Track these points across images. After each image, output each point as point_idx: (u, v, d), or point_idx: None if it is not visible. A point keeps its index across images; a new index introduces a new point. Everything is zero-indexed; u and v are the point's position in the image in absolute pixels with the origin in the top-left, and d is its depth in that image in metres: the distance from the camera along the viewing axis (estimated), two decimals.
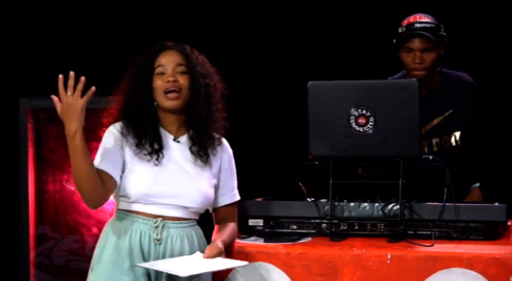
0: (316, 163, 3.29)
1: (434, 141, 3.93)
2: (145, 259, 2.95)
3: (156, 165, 2.97)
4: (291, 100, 5.03)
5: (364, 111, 3.19)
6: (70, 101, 2.79)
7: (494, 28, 4.89)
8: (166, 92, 2.99)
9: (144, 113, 3.02)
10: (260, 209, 3.31)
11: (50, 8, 5.29)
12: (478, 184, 4.03)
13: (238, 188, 3.22)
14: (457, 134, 3.95)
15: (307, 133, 3.23)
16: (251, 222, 3.29)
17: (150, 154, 2.99)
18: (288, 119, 5.05)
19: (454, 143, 3.96)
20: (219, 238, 3.00)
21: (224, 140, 3.15)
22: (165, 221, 2.98)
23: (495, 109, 4.79)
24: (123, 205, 3.01)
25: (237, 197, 3.19)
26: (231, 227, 3.11)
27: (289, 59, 5.19)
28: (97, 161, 2.95)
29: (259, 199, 3.41)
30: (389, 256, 2.99)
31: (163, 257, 2.96)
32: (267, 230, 3.28)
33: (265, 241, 3.18)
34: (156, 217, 2.97)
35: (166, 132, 3.06)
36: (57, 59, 5.27)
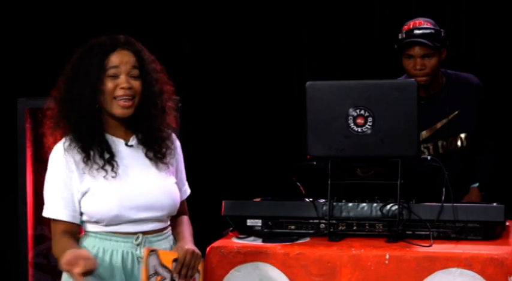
0: (314, 163, 3.29)
1: (440, 143, 3.93)
2: (127, 279, 2.77)
3: (113, 177, 2.73)
4: (289, 100, 5.04)
5: (362, 112, 3.19)
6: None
7: (495, 29, 4.90)
8: (117, 98, 2.74)
9: (86, 118, 2.74)
10: (258, 209, 3.30)
11: (47, 9, 5.29)
12: (477, 184, 4.03)
13: (237, 188, 3.22)
14: (463, 135, 3.94)
15: (305, 133, 3.23)
16: (249, 222, 3.29)
17: (102, 167, 2.73)
18: (285, 120, 5.06)
19: (460, 145, 3.95)
20: (189, 242, 2.83)
21: (173, 134, 2.94)
22: (146, 236, 2.79)
23: (491, 108, 4.81)
24: (95, 228, 2.78)
25: (189, 191, 3.05)
26: (188, 221, 2.97)
27: (287, 59, 5.19)
28: (56, 208, 2.74)
29: (258, 199, 3.41)
30: (387, 256, 2.99)
31: None
32: (265, 230, 3.27)
33: (263, 241, 3.18)
34: (135, 233, 2.78)
35: (114, 138, 2.81)
36: (55, 59, 5.27)
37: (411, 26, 3.88)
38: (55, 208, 2.76)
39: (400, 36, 3.91)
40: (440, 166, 3.22)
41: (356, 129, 3.19)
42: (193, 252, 2.75)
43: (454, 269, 2.93)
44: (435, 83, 3.91)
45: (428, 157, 3.34)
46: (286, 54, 5.17)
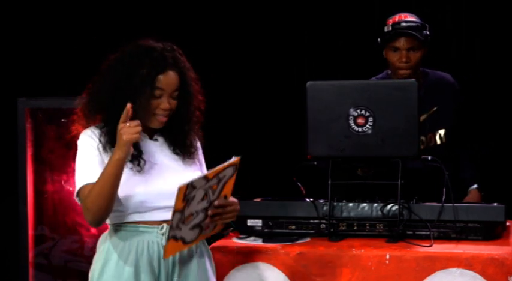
0: (315, 163, 3.29)
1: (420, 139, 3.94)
2: (154, 270, 2.80)
3: (139, 171, 2.81)
4: (290, 100, 5.04)
5: (362, 112, 3.19)
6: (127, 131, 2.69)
7: (483, 28, 4.91)
8: (156, 115, 2.85)
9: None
10: (259, 209, 3.31)
11: (48, 9, 5.29)
12: (475, 186, 4.03)
13: (237, 188, 3.21)
14: (442, 132, 3.96)
15: (306, 133, 3.23)
16: (250, 222, 3.29)
17: (131, 161, 2.81)
18: (286, 119, 5.05)
19: (439, 141, 3.97)
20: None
21: (196, 138, 3.02)
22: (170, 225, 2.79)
23: (492, 108, 4.81)
24: (120, 218, 2.82)
25: None
26: None
27: (287, 59, 5.19)
28: (89, 175, 2.78)
29: (258, 199, 3.41)
30: (388, 256, 2.99)
31: (173, 264, 2.82)
32: (265, 230, 3.28)
33: (264, 241, 3.18)
34: (160, 222, 2.83)
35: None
36: (55, 59, 5.28)
37: (397, 19, 3.92)
38: (88, 175, 2.78)
39: (385, 29, 3.93)
40: (440, 166, 3.22)
41: (356, 129, 3.19)
42: (237, 210, 2.84)
43: (454, 269, 2.93)
44: (415, 79, 3.92)
45: (429, 157, 3.34)
46: (286, 54, 5.17)
